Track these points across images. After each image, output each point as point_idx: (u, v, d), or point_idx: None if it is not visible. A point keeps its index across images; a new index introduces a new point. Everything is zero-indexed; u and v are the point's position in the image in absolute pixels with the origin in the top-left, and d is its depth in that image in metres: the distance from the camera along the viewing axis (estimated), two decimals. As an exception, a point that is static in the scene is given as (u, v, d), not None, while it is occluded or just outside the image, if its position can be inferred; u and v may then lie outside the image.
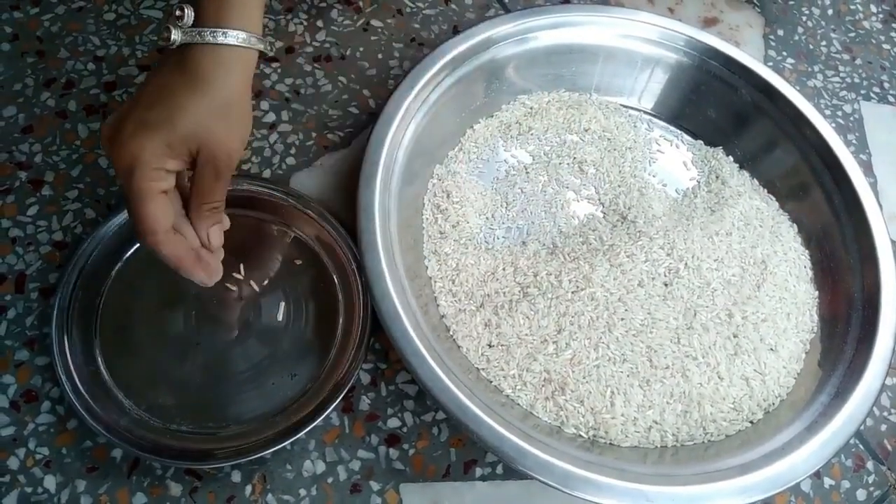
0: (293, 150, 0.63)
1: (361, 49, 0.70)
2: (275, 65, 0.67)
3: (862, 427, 0.57)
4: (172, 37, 0.42)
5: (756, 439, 0.52)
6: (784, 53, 0.78)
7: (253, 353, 0.53)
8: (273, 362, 0.53)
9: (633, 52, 0.66)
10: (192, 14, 0.42)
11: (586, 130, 0.66)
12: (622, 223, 0.61)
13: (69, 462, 0.50)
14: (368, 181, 0.55)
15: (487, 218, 0.61)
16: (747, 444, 0.52)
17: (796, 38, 0.80)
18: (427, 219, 0.60)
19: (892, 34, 0.82)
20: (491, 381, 0.53)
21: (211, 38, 0.42)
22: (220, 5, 0.42)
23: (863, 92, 0.77)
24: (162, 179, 0.42)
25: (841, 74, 0.78)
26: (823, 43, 0.80)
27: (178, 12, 0.42)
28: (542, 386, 0.53)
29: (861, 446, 0.58)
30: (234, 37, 0.42)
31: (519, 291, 0.56)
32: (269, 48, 0.45)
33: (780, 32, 0.80)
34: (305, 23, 0.70)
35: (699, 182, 0.65)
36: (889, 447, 0.58)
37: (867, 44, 0.81)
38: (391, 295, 0.51)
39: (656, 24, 0.65)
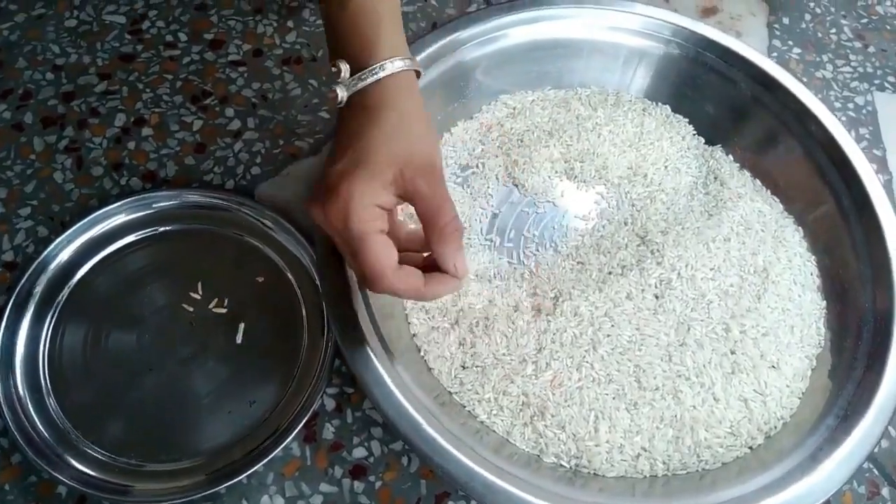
0: (258, 159, 0.60)
1: (334, 50, 0.66)
2: (241, 69, 0.64)
3: (876, 450, 0.52)
4: (339, 95, 0.43)
5: (756, 467, 0.47)
6: (790, 43, 0.73)
7: (209, 379, 0.50)
8: (231, 388, 0.50)
9: (620, 45, 0.61)
10: (347, 67, 0.43)
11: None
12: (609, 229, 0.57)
13: (12, 499, 0.47)
14: (330, 192, 0.51)
15: (465, 228, 0.57)
16: (746, 472, 0.47)
17: (803, 26, 0.75)
18: (399, 229, 0.56)
19: (909, 19, 0.77)
20: (464, 406, 0.49)
21: (371, 78, 0.43)
22: (366, 48, 0.43)
23: (876, 82, 0.72)
24: (377, 217, 0.42)
25: (852, 64, 0.73)
26: (833, 31, 0.75)
27: (334, 69, 0.44)
28: (520, 410, 0.49)
29: (875, 471, 0.53)
30: (389, 67, 0.43)
31: (496, 307, 0.52)
32: (419, 67, 0.47)
33: (786, 21, 0.75)
34: (275, 24, 0.67)
35: (696, 183, 0.61)
36: (907, 471, 0.53)
37: (881, 30, 0.76)
38: (352, 315, 0.47)
39: (644, 14, 0.60)
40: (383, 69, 0.43)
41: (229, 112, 0.61)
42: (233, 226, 0.55)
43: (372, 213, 0.41)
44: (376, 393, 0.45)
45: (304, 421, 0.48)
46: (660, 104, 0.63)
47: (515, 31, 0.59)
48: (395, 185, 0.42)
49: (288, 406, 0.49)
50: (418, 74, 0.46)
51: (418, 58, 0.57)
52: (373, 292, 0.44)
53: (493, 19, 0.59)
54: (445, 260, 0.43)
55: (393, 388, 0.45)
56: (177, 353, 0.51)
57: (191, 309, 0.52)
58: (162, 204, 0.54)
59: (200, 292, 0.52)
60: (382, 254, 0.41)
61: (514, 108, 0.62)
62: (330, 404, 0.51)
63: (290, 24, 0.67)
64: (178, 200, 0.54)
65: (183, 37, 0.65)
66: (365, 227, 0.41)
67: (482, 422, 0.49)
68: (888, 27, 0.76)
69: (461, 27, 0.58)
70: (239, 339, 0.51)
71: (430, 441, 0.43)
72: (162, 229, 0.54)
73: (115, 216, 0.53)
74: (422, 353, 0.51)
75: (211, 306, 0.52)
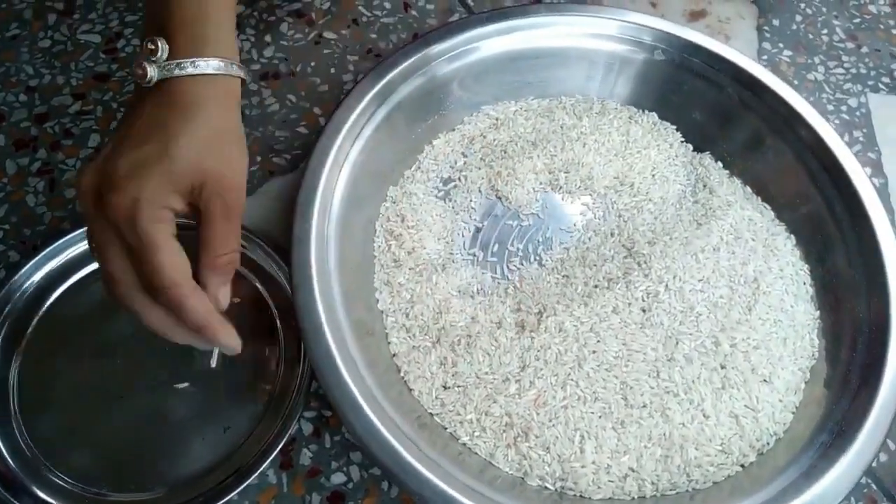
0: (235, 177, 0.58)
1: (313, 64, 0.65)
2: (218, 85, 0.62)
3: (874, 464, 0.50)
4: (149, 74, 0.38)
5: (749, 486, 0.46)
6: (780, 45, 0.72)
7: (183, 405, 0.49)
8: (205, 415, 0.48)
9: (604, 52, 0.60)
10: (166, 47, 0.39)
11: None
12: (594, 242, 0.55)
13: (-19, 534, 0.46)
14: (304, 210, 0.50)
15: (447, 243, 0.56)
16: (739, 491, 0.45)
17: (794, 27, 0.73)
18: (379, 246, 0.54)
19: (902, 18, 0.75)
20: (446, 428, 0.48)
21: (191, 69, 0.39)
22: (194, 35, 0.39)
23: (870, 83, 0.70)
24: (170, 221, 0.38)
25: (845, 65, 0.71)
26: (825, 31, 0.73)
27: (150, 46, 0.39)
28: (503, 431, 0.47)
29: (874, 486, 0.51)
30: (213, 66, 0.39)
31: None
32: (248, 75, 0.42)
33: (776, 22, 0.73)
34: (253, 38, 0.65)
35: (684, 192, 0.59)
36: (908, 485, 0.51)
37: (874, 30, 0.74)
38: (325, 337, 0.45)
39: (623, 19, 0.59)
40: (208, 64, 0.39)
41: (205, 129, 0.60)
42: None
43: (164, 215, 0.38)
44: (351, 419, 0.43)
45: (280, 446, 0.46)
46: (646, 111, 0.62)
47: (492, 42, 0.58)
48: (191, 195, 0.39)
49: (264, 431, 0.48)
50: (243, 83, 0.42)
51: (395, 71, 0.55)
52: (154, 304, 0.39)
53: (470, 30, 0.57)
54: (211, 287, 0.40)
55: (369, 412, 0.43)
56: (150, 378, 0.49)
57: (164, 333, 0.51)
58: (131, 226, 0.53)
59: (174, 315, 0.51)
60: (179, 262, 0.38)
61: (497, 119, 0.61)
62: (307, 428, 0.50)
63: (267, 38, 0.66)
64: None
65: (159, 54, 0.64)
66: (157, 230, 0.37)
67: (464, 444, 0.47)
68: (881, 26, 0.74)
69: (438, 39, 0.57)
70: (214, 363, 0.50)
71: (408, 469, 0.42)
72: (132, 252, 0.53)
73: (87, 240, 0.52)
74: (402, 374, 0.49)
75: (185, 329, 0.51)
